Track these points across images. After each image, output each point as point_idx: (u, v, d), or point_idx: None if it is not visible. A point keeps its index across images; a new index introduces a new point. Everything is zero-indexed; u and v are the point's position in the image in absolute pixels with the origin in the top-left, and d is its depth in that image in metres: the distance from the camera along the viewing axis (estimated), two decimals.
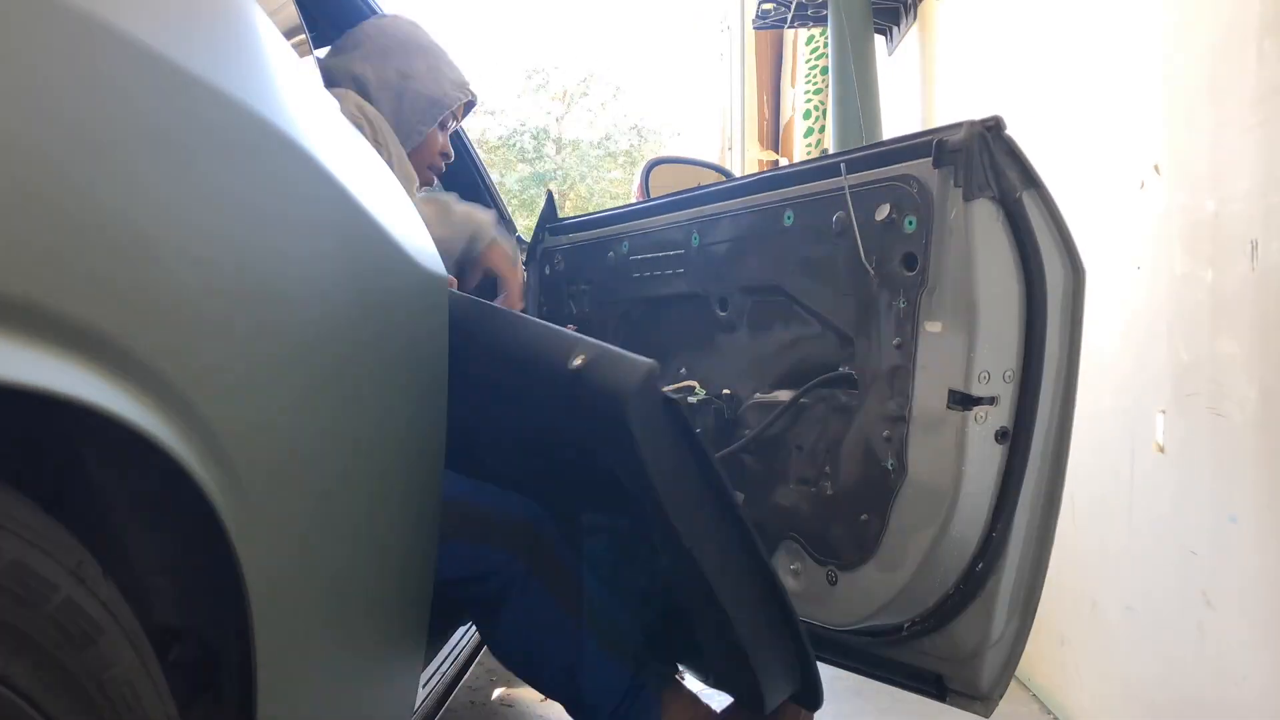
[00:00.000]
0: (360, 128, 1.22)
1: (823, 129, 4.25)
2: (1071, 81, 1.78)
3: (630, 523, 1.21)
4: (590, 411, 1.01)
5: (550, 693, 1.25)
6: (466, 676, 1.42)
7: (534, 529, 1.21)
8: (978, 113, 1.08)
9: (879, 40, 3.19)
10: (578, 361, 1.00)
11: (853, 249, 1.17)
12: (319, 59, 1.40)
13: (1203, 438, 1.34)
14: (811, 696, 1.09)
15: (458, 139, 1.84)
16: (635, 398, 0.94)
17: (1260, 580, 1.21)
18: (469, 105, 1.54)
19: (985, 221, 1.05)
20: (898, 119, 3.02)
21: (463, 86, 1.45)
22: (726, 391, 1.41)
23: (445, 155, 1.51)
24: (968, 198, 1.05)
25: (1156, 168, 1.45)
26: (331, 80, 1.35)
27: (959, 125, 1.07)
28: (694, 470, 0.99)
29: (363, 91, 1.36)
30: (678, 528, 0.98)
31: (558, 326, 1.15)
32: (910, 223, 1.11)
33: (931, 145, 1.08)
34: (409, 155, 1.41)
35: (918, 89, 2.88)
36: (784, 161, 5.29)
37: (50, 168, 0.48)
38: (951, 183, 1.06)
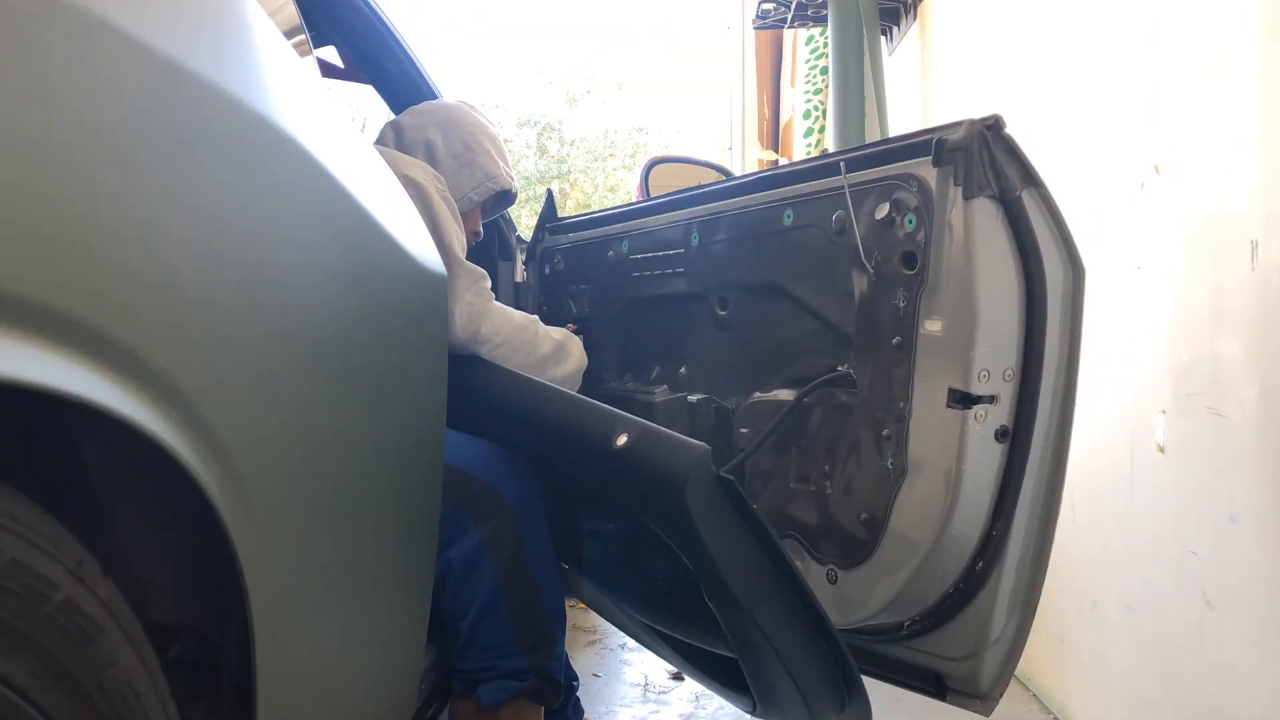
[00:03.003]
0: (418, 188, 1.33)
1: (822, 129, 4.24)
2: (1071, 82, 1.78)
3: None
4: (640, 490, 1.07)
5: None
6: None
7: (509, 506, 1.26)
8: (978, 113, 1.08)
9: None
10: (621, 440, 1.06)
11: (852, 248, 1.17)
12: (394, 123, 1.54)
13: (1203, 438, 1.33)
14: (861, 710, 1.13)
15: None
16: (693, 482, 1.00)
17: (1260, 580, 1.21)
18: (503, 198, 1.60)
19: (985, 220, 1.05)
20: (897, 119, 3.02)
21: (510, 176, 1.57)
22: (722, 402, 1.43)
23: (476, 234, 1.58)
24: (967, 196, 1.05)
25: (1157, 168, 1.45)
26: (403, 140, 1.50)
27: (959, 124, 1.07)
28: (753, 543, 1.04)
29: (430, 154, 1.48)
30: (735, 592, 1.02)
31: (600, 404, 1.20)
32: (910, 221, 1.10)
33: (931, 144, 1.08)
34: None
35: (918, 89, 2.88)
36: (784, 162, 5.28)
37: (51, 166, 0.48)
38: (951, 181, 1.06)
